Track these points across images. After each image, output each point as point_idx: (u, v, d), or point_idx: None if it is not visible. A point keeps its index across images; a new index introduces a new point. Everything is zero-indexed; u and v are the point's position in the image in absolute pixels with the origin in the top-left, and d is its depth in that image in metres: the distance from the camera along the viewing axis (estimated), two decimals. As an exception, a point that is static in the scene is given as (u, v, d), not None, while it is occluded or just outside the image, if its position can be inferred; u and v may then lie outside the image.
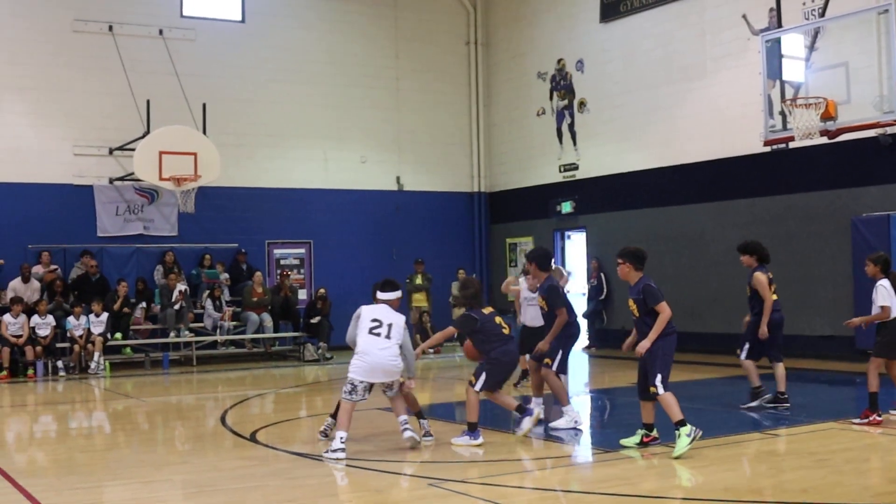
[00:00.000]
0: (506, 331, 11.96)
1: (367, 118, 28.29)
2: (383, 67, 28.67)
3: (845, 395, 15.78)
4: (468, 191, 29.87)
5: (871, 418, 12.23)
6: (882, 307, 12.31)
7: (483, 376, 11.65)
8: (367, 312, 11.37)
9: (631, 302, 11.09)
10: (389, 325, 11.21)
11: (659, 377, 10.78)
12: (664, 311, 10.78)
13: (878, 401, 12.29)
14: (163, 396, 18.70)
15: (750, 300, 13.98)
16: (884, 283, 12.41)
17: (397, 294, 11.71)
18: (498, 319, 11.93)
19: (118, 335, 22.82)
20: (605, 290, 25.40)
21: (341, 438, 10.95)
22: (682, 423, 10.58)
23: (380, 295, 11.64)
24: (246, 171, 26.20)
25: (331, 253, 27.36)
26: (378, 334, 11.18)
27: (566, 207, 27.04)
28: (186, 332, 23.57)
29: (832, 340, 19.79)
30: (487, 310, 11.99)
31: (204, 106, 24.32)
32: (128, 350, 23.36)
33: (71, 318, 22.18)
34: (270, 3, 27.23)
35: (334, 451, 10.87)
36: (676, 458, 10.38)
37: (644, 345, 10.75)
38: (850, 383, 16.68)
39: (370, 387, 11.27)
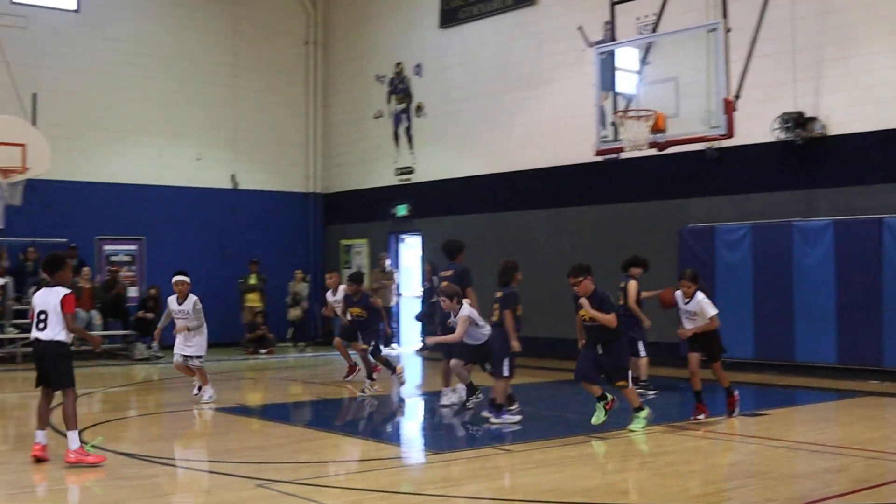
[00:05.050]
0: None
1: (203, 115, 27.95)
2: (221, 64, 28.37)
3: (669, 399, 16.17)
4: (303, 191, 29.78)
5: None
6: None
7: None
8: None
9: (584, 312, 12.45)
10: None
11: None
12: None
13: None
14: (-16, 394, 18.19)
15: None
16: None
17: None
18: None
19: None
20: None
21: None
22: (640, 408, 12.54)
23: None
24: (77, 165, 25.58)
25: (164, 251, 26.86)
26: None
27: (401, 211, 27.16)
28: (10, 328, 22.92)
29: (657, 346, 20.25)
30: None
31: (34, 96, 23.66)
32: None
33: None
34: (106, -6, 26.72)
35: None
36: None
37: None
38: (673, 388, 17.13)
39: None
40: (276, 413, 15.17)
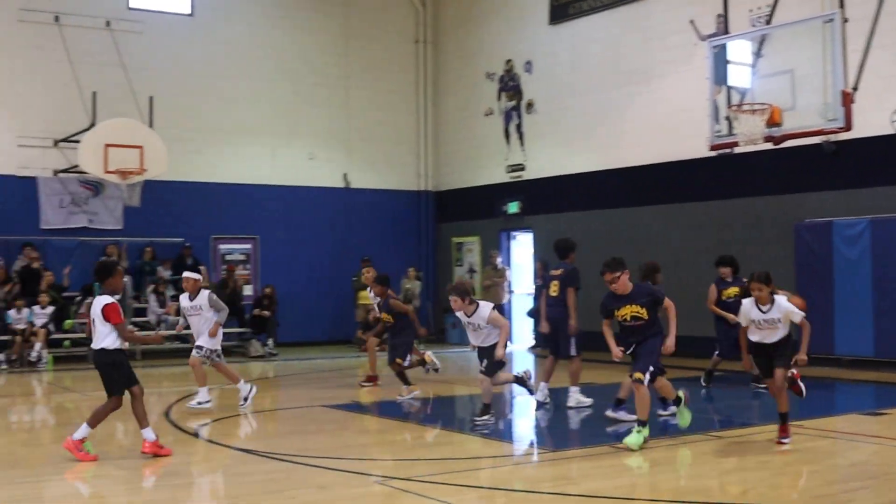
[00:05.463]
0: None
1: (315, 115, 28.24)
2: (332, 65, 28.63)
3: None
4: (415, 189, 29.91)
5: None
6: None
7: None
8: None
9: (637, 308, 11.51)
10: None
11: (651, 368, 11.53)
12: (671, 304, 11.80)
13: None
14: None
15: None
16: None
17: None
18: None
19: (69, 322, 22.74)
20: (549, 291, 25.42)
21: None
22: (677, 401, 12.08)
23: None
24: (193, 166, 26.03)
25: (277, 249, 27.28)
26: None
27: (513, 208, 27.14)
28: (130, 327, 23.38)
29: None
30: None
31: (151, 99, 24.21)
32: (66, 343, 23.13)
33: (12, 312, 21.97)
34: (220, -2, 27.16)
35: None
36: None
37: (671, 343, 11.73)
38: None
39: None
40: (391, 410, 15.23)
